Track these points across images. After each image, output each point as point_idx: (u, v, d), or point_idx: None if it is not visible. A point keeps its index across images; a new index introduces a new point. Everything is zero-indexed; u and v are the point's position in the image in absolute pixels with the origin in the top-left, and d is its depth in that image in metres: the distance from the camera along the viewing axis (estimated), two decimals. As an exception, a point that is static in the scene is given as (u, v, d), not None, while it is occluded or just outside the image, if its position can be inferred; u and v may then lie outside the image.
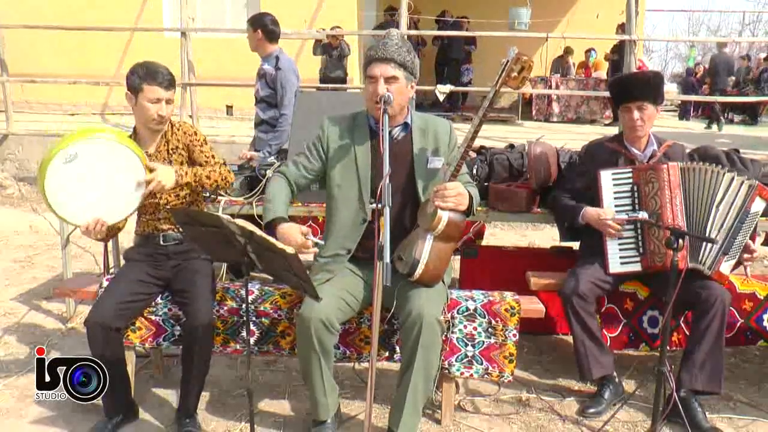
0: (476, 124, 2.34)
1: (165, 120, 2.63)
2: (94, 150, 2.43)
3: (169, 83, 2.59)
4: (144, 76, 2.55)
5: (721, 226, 2.73)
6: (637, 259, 2.80)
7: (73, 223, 2.51)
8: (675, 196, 2.74)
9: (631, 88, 2.87)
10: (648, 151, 2.94)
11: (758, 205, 2.75)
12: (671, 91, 14.95)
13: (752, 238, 2.90)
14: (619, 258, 2.82)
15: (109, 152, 2.46)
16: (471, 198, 2.41)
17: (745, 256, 2.79)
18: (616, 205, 2.83)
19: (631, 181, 2.83)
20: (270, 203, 2.52)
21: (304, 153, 2.63)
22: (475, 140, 2.39)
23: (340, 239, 2.56)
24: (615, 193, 2.84)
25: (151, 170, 2.51)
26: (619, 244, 2.82)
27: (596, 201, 2.87)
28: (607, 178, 2.85)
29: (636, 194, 2.81)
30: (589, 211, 2.85)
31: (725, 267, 2.75)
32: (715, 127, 10.46)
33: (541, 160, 3.15)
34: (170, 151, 2.69)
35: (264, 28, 4.10)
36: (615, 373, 2.86)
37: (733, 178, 2.73)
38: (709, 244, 2.69)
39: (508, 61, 2.27)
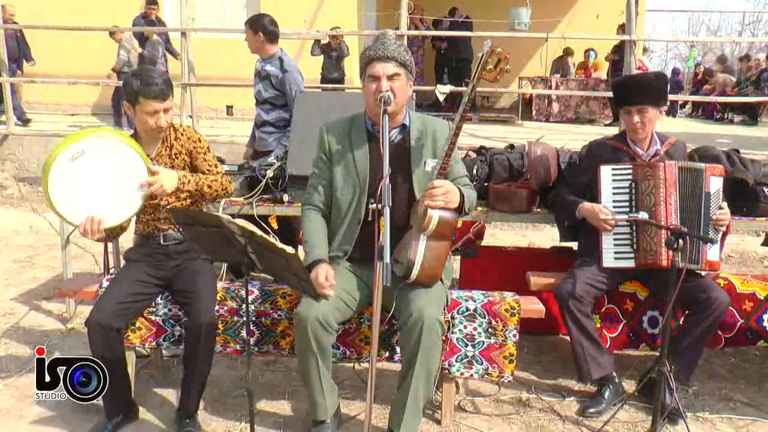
0: (457, 120, 2.35)
1: (164, 128, 2.63)
2: (101, 148, 2.44)
3: (165, 93, 2.54)
4: (139, 88, 2.51)
5: (695, 217, 2.75)
6: (631, 255, 2.81)
7: (71, 222, 2.51)
8: (670, 194, 2.75)
9: (632, 91, 2.86)
10: (651, 150, 2.94)
11: (716, 184, 2.78)
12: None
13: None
14: (613, 253, 2.83)
15: (115, 152, 2.46)
16: (462, 195, 2.41)
17: (720, 223, 2.78)
18: (614, 201, 2.84)
19: (630, 177, 2.83)
20: (307, 245, 2.56)
21: (315, 172, 2.62)
22: (459, 137, 2.40)
23: (339, 241, 2.58)
24: (614, 188, 2.85)
25: (153, 173, 2.51)
26: (614, 240, 2.83)
27: (596, 196, 2.88)
28: (606, 173, 2.86)
29: (634, 191, 2.82)
30: (585, 206, 2.87)
31: (713, 254, 2.76)
32: None
33: (541, 160, 3.15)
34: (172, 156, 2.68)
35: (264, 29, 4.10)
36: (615, 373, 2.86)
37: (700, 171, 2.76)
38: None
39: (482, 55, 2.29)
